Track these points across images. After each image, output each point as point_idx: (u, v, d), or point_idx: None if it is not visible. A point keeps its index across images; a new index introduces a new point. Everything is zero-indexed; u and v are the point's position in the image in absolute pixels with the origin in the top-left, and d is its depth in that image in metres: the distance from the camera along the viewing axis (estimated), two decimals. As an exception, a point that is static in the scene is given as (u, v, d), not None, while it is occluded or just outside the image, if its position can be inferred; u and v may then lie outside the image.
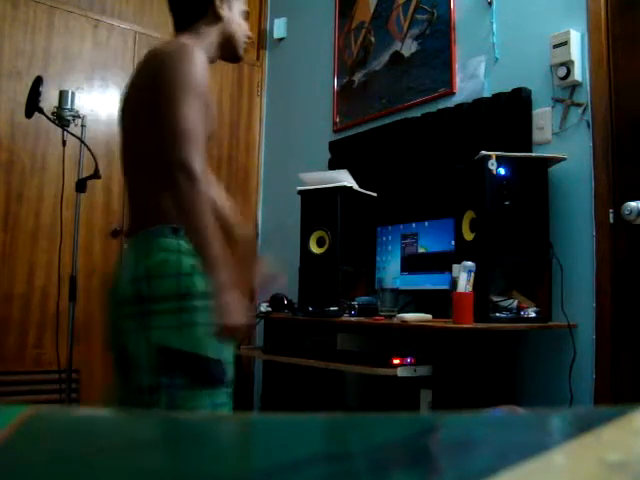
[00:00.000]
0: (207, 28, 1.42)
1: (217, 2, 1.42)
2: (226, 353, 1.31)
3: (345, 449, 0.33)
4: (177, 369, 1.24)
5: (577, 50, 2.06)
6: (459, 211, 2.10)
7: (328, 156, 3.01)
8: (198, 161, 1.22)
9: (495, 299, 1.97)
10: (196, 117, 1.25)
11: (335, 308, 2.29)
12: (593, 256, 1.98)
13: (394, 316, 2.07)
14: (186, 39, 1.38)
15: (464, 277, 1.82)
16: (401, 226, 2.45)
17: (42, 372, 2.64)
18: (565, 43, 2.06)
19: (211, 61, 1.43)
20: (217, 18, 1.43)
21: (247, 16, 1.54)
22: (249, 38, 1.54)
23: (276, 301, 2.56)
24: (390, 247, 2.49)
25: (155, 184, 1.31)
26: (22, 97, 2.36)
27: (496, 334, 1.95)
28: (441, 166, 2.39)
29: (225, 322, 1.20)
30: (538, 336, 2.08)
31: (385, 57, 2.84)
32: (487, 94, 2.32)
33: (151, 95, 1.29)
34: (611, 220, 1.94)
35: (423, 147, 2.49)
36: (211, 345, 1.27)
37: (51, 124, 2.44)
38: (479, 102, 2.31)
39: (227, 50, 1.48)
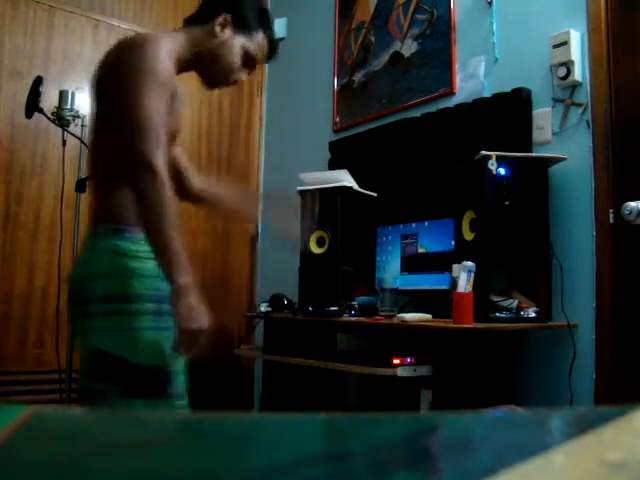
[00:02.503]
0: (201, 35, 1.35)
1: (219, 19, 1.35)
2: (175, 362, 1.21)
3: (345, 449, 0.33)
4: (109, 375, 1.16)
5: (577, 50, 2.06)
6: (459, 211, 2.10)
7: (328, 156, 3.01)
8: (158, 154, 1.12)
9: (495, 299, 1.97)
10: (156, 106, 1.15)
11: (335, 308, 2.29)
12: (593, 256, 1.98)
13: (394, 316, 2.06)
14: (171, 32, 1.33)
15: (464, 277, 1.82)
16: (401, 226, 2.45)
17: (42, 372, 2.64)
18: (565, 43, 2.06)
19: (182, 67, 1.34)
20: (212, 33, 1.35)
21: (248, 62, 1.42)
22: (233, 80, 1.42)
23: (276, 301, 2.56)
24: (390, 247, 2.49)
25: (106, 181, 1.26)
26: (22, 97, 2.36)
27: (496, 334, 1.95)
28: (441, 166, 2.39)
29: (188, 327, 1.09)
30: (538, 336, 2.08)
31: (385, 57, 2.84)
32: (487, 94, 2.32)
33: (111, 85, 1.22)
34: (611, 220, 1.94)
35: (423, 147, 2.49)
36: (149, 353, 1.17)
37: (51, 124, 2.44)
38: (479, 102, 2.31)
39: (205, 69, 1.38)
